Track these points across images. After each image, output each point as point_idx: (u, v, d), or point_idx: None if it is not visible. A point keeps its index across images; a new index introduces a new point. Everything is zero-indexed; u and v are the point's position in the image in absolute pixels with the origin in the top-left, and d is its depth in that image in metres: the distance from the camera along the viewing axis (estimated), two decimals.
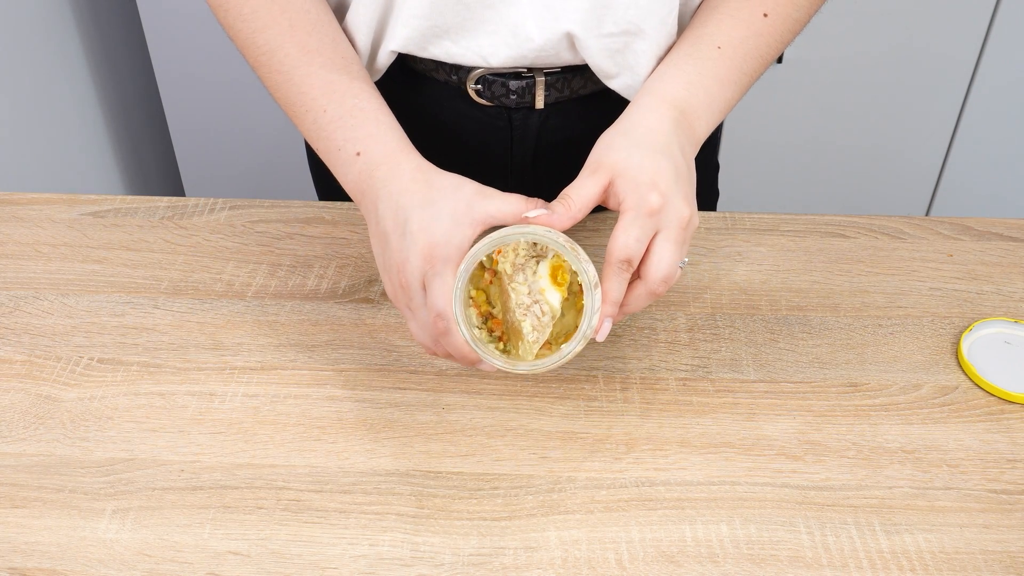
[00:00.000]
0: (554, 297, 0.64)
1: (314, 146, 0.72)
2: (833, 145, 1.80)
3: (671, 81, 0.69)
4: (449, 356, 0.66)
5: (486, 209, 0.63)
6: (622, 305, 0.64)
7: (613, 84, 0.77)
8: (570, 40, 0.73)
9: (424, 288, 0.63)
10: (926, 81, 1.72)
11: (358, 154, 0.68)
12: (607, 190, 0.64)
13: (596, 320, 0.62)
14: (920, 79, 1.72)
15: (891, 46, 1.68)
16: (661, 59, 0.75)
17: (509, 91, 0.78)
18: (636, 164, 0.63)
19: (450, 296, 0.62)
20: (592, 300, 0.62)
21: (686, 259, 0.65)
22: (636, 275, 0.64)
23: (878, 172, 1.83)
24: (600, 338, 0.63)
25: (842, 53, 1.68)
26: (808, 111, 1.75)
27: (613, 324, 0.64)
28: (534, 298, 0.64)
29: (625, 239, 0.62)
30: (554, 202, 0.63)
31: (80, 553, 0.63)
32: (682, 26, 0.77)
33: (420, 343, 0.67)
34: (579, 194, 0.63)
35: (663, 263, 0.63)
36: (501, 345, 0.66)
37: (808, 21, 0.75)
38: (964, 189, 1.85)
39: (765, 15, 0.72)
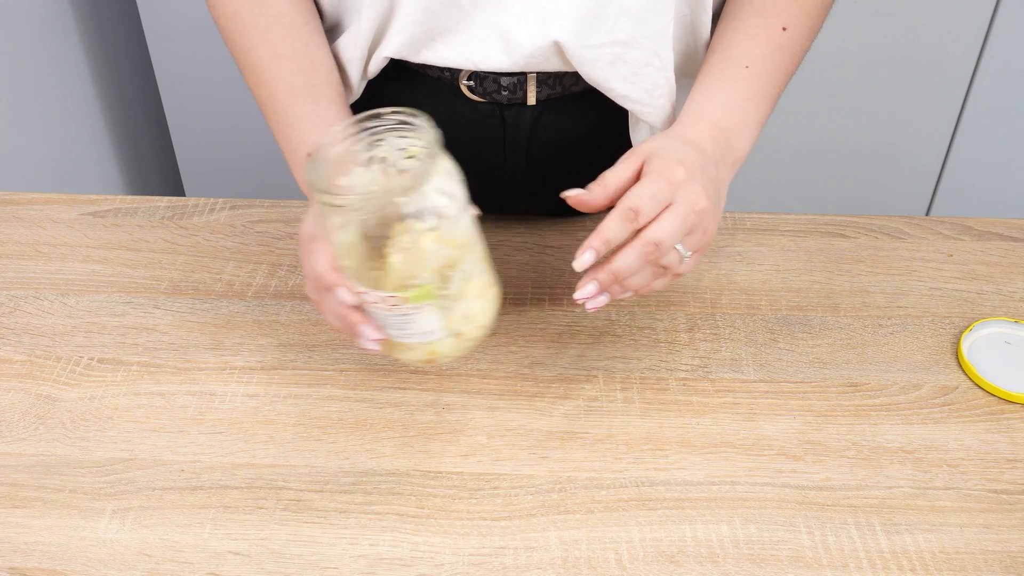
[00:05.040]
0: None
1: (280, 146, 0.75)
2: (833, 144, 1.80)
3: (707, 104, 0.72)
4: (351, 327, 0.63)
5: None
6: (608, 261, 0.63)
7: (607, 93, 0.77)
8: (559, 49, 0.73)
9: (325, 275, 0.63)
10: (926, 80, 1.72)
11: (309, 155, 0.70)
12: (640, 172, 0.65)
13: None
14: (920, 78, 1.71)
15: (891, 45, 1.68)
16: (657, 69, 0.75)
17: (501, 87, 0.79)
18: (668, 147, 0.66)
19: (327, 259, 0.61)
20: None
21: (689, 253, 0.65)
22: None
23: (878, 172, 1.83)
24: (580, 297, 0.64)
25: (842, 52, 1.68)
26: (808, 110, 1.75)
27: (603, 288, 0.64)
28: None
29: (640, 191, 0.62)
30: (591, 183, 0.64)
31: (80, 553, 0.63)
32: (694, 39, 0.78)
33: (336, 329, 0.66)
34: (614, 175, 0.65)
35: (663, 228, 0.63)
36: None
37: (820, 27, 0.78)
38: (964, 189, 1.85)
39: (784, 29, 0.74)
